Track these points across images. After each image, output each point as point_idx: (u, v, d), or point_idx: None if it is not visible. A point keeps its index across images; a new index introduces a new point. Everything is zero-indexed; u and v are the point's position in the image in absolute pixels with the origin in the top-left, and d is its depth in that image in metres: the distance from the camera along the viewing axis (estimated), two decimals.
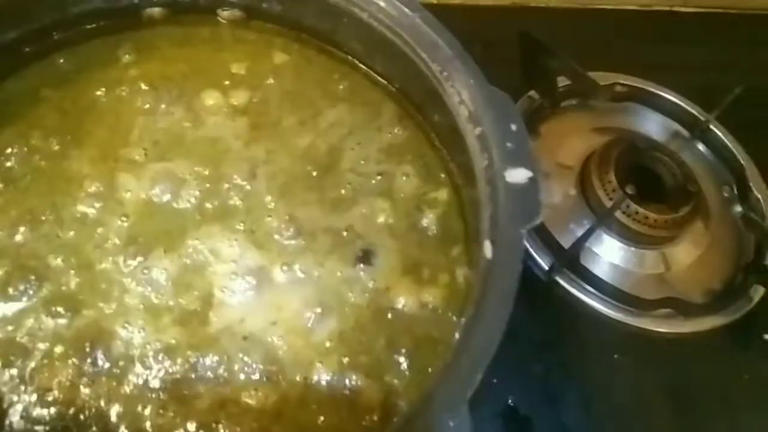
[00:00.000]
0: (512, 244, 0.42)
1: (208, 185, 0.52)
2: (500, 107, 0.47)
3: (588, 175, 0.72)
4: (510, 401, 0.59)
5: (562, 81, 0.79)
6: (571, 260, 0.67)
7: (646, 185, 0.70)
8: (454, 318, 0.49)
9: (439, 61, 0.50)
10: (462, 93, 0.49)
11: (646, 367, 0.64)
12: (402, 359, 0.48)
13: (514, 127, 0.47)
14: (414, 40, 0.51)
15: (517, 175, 0.45)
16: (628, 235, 0.70)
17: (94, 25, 0.57)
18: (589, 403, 0.61)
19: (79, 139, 0.53)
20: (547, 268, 0.66)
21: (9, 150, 0.52)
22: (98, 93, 0.55)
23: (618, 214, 0.68)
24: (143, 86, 0.56)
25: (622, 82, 0.84)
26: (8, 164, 0.51)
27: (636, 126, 0.82)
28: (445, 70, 0.50)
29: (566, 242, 0.68)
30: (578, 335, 0.66)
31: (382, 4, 0.52)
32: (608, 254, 0.70)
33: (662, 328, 0.66)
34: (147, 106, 0.55)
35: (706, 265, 0.71)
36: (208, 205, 0.51)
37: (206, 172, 0.53)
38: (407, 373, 0.47)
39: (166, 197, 0.51)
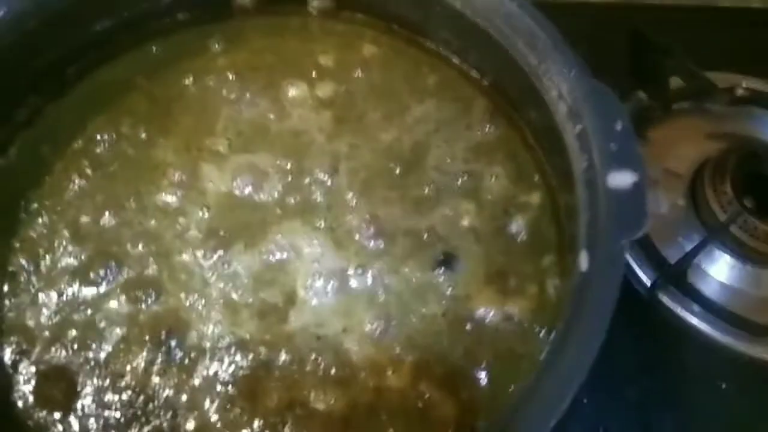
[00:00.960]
0: (612, 256, 0.38)
1: (289, 179, 0.51)
2: (604, 103, 0.43)
3: (700, 185, 0.66)
4: (601, 429, 0.54)
5: (675, 82, 0.73)
6: (678, 277, 0.61)
7: (766, 199, 0.63)
8: (542, 334, 0.45)
9: (537, 52, 0.46)
10: (561, 87, 0.45)
11: (755, 399, 0.58)
12: (481, 374, 0.44)
13: (619, 125, 0.42)
14: (510, 29, 0.47)
15: (621, 179, 0.40)
16: (743, 253, 0.63)
17: (187, 15, 0.57)
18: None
19: (166, 127, 0.53)
20: (649, 284, 0.61)
21: (99, 137, 0.52)
22: (187, 82, 0.55)
23: (733, 228, 0.62)
24: (230, 76, 0.55)
25: (744, 85, 0.76)
26: (98, 150, 0.52)
27: (757, 133, 0.74)
28: (543, 62, 0.46)
29: (672, 257, 0.62)
30: (680, 359, 0.60)
31: None
32: (720, 272, 0.63)
33: None
34: (233, 96, 0.55)
35: None
36: (290, 200, 0.50)
37: (288, 166, 0.51)
38: (486, 390, 0.44)
39: (248, 190, 0.50)
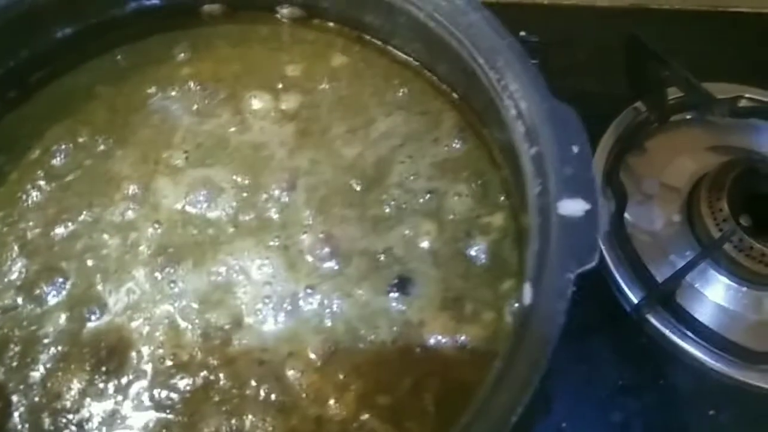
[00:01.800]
0: (559, 289, 0.36)
1: (245, 195, 0.49)
2: (563, 125, 0.40)
3: (697, 200, 0.63)
4: None
5: (674, 93, 0.70)
6: (666, 296, 0.59)
7: (763, 218, 0.60)
8: (495, 362, 0.43)
9: (497, 68, 0.44)
10: (520, 105, 0.42)
11: (747, 429, 0.56)
12: (428, 405, 0.42)
13: (575, 149, 0.40)
14: (471, 42, 0.45)
15: (573, 207, 0.38)
16: (739, 273, 0.61)
17: (152, 22, 0.56)
18: None
19: (124, 138, 0.52)
20: (636, 302, 0.58)
21: (56, 147, 0.51)
22: (149, 91, 0.54)
23: (728, 247, 0.59)
24: (193, 86, 0.54)
25: (746, 95, 0.73)
26: (54, 161, 0.51)
27: (759, 146, 0.71)
28: (503, 79, 0.43)
29: (663, 275, 0.59)
30: (668, 383, 0.58)
31: (440, 1, 0.46)
32: (713, 293, 0.61)
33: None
34: (195, 107, 0.53)
35: None
36: (244, 218, 0.49)
37: (245, 182, 0.50)
38: (431, 418, 0.42)
39: (201, 206, 0.49)
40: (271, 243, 0.48)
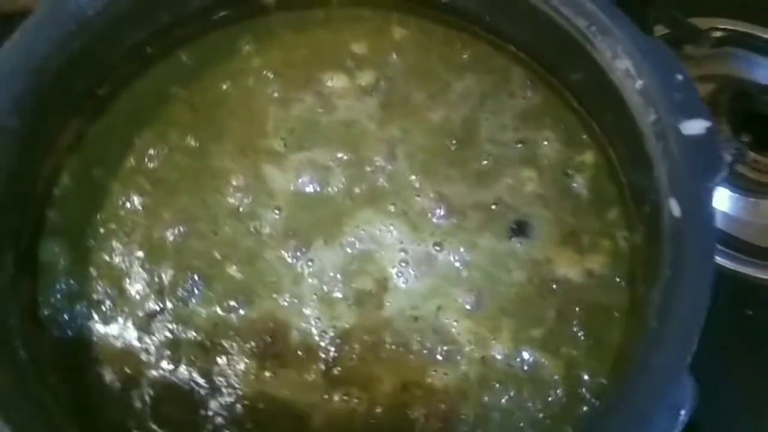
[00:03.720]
0: (701, 198, 0.40)
1: (352, 170, 0.51)
2: (661, 58, 0.45)
3: None
4: None
5: (660, 30, 0.76)
6: None
7: (760, 133, 0.66)
8: (623, 283, 0.48)
9: (585, 15, 0.47)
10: (615, 47, 0.46)
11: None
12: (576, 329, 0.46)
13: (680, 77, 0.44)
14: None
15: (694, 127, 0.42)
16: (743, 185, 0.66)
17: (211, 18, 0.56)
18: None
19: (215, 134, 0.52)
20: None
21: (151, 151, 0.51)
22: (225, 86, 0.54)
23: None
24: (269, 75, 0.55)
25: (720, 26, 0.80)
26: (152, 165, 0.51)
27: (739, 72, 0.77)
28: (593, 25, 0.47)
29: None
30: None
31: None
32: (722, 205, 0.66)
33: None
34: (276, 95, 0.54)
35: None
36: (356, 190, 0.50)
37: (347, 157, 0.52)
38: (583, 342, 0.46)
39: (314, 186, 0.50)
40: (390, 208, 0.50)
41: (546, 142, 0.53)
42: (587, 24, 0.47)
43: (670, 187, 0.42)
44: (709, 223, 0.40)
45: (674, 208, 0.41)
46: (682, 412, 0.34)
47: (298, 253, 0.48)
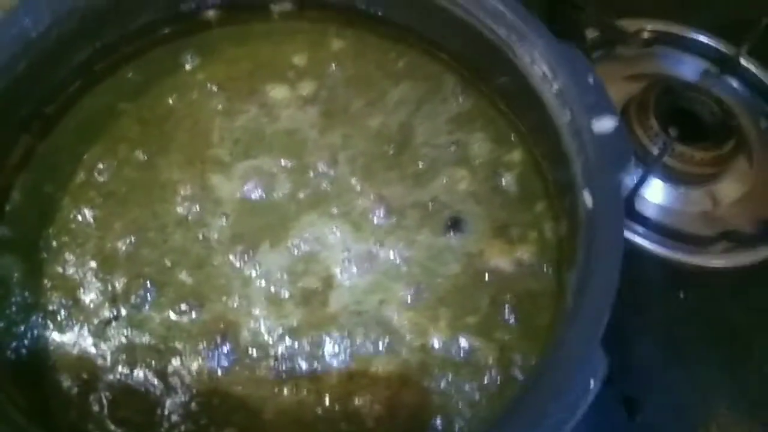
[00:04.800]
0: (612, 191, 0.45)
1: (296, 176, 0.54)
2: (574, 62, 0.49)
3: (629, 123, 0.73)
4: None
5: (591, 33, 0.81)
6: (629, 210, 0.68)
7: (686, 126, 0.71)
8: (550, 270, 0.52)
9: (505, 25, 0.51)
10: (533, 54, 0.50)
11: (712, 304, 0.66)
12: (508, 315, 0.50)
13: (591, 79, 0.48)
14: (474, 7, 0.52)
15: (604, 125, 0.47)
16: (673, 176, 0.72)
17: (155, 35, 0.59)
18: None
19: (163, 146, 0.55)
20: None
21: (101, 165, 0.53)
22: (171, 100, 0.57)
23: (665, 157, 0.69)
24: (213, 88, 0.57)
25: (648, 27, 0.85)
26: (102, 179, 0.53)
27: (667, 69, 0.83)
28: (512, 33, 0.51)
29: None
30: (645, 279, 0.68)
31: None
32: (655, 197, 0.71)
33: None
34: (220, 106, 0.57)
35: (754, 197, 0.73)
36: (301, 195, 0.53)
37: (291, 164, 0.55)
38: (515, 327, 0.50)
39: (260, 193, 0.53)
40: (333, 211, 0.53)
41: (477, 143, 0.57)
42: (507, 33, 0.51)
43: (584, 181, 0.46)
44: (617, 212, 0.44)
45: (587, 199, 0.45)
46: (592, 383, 0.37)
47: (246, 257, 0.51)
